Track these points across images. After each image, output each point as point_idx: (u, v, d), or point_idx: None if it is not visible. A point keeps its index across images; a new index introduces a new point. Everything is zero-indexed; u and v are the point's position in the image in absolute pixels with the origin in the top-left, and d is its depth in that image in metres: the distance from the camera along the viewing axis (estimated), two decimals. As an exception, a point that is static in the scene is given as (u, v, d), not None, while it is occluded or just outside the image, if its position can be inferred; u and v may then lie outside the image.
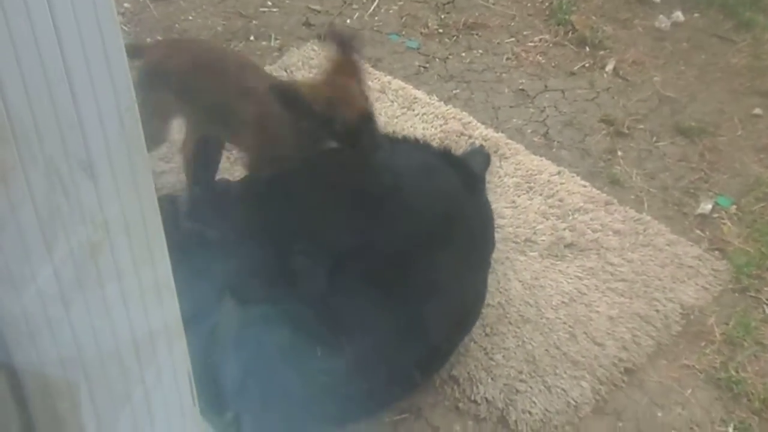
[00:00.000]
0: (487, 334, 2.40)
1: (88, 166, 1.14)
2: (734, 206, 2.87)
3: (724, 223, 2.81)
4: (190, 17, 3.58)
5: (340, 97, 2.12)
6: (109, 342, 1.27)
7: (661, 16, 3.74)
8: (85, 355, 1.25)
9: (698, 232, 2.79)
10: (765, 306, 2.55)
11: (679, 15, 3.75)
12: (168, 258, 1.37)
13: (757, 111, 3.27)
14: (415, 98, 3.20)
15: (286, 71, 3.27)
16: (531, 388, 2.28)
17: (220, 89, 2.33)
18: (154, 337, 1.34)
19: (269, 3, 3.70)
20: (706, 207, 2.86)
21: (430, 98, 3.23)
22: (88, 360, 1.25)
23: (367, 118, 2.15)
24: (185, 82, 2.34)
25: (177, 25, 3.53)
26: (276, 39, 3.47)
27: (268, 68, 3.27)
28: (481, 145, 2.97)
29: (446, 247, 2.27)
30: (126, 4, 3.60)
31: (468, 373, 2.29)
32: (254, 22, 3.57)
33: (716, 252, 2.72)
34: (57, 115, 1.08)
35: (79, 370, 1.23)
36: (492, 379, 2.28)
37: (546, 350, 2.37)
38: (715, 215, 2.85)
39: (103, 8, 1.09)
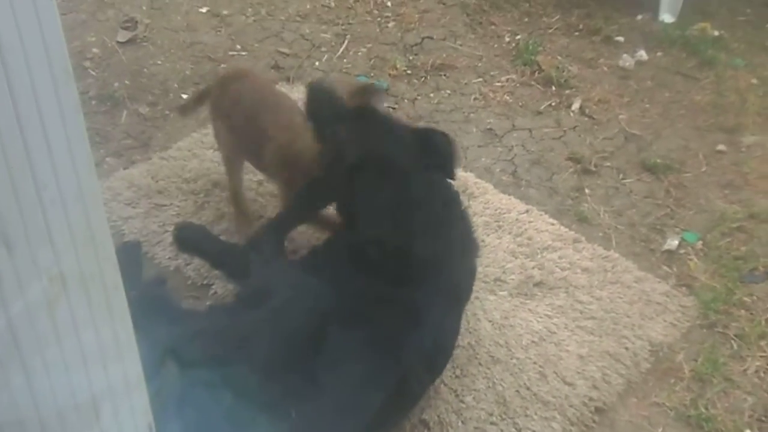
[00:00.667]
0: (457, 376, 2.39)
1: (42, 221, 1.13)
2: (700, 242, 2.90)
3: (691, 259, 2.83)
4: (159, 62, 3.59)
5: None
6: (68, 400, 1.25)
7: (625, 55, 3.80)
8: (43, 414, 1.24)
9: (665, 268, 2.81)
10: (733, 342, 2.56)
11: (642, 54, 3.82)
12: (128, 310, 1.36)
13: (721, 147, 3.32)
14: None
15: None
16: (502, 430, 2.26)
17: (257, 124, 2.60)
18: (114, 393, 1.32)
19: (238, 47, 3.72)
20: (673, 243, 2.88)
21: (398, 139, 3.24)
22: (46, 419, 1.23)
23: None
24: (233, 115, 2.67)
25: (146, 70, 3.53)
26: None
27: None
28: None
29: (426, 292, 2.27)
30: (94, 49, 3.60)
31: (438, 416, 2.27)
32: (223, 65, 3.59)
33: (683, 288, 2.73)
34: (10, 170, 1.08)
35: (36, 430, 1.21)
36: (462, 422, 2.27)
37: (516, 391, 2.36)
38: (682, 251, 2.87)
39: (58, 64, 1.09)
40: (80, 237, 1.20)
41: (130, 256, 2.55)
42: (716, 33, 3.97)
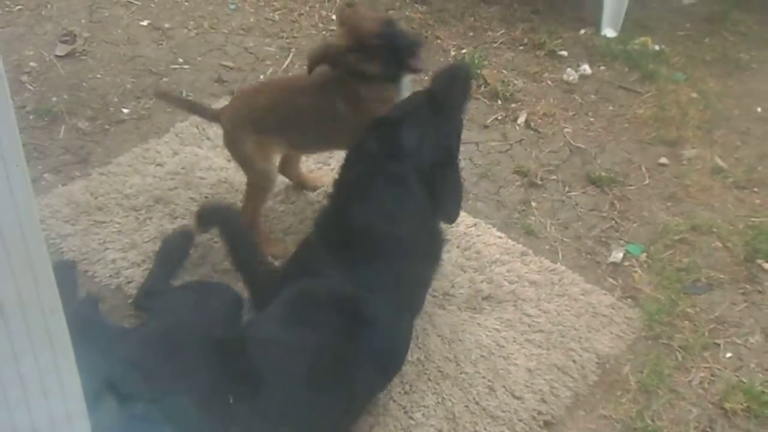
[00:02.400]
0: (406, 392, 2.37)
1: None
2: (644, 254, 2.93)
3: (635, 271, 2.87)
4: (98, 75, 3.52)
5: (358, 21, 2.58)
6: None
7: (569, 69, 3.84)
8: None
9: (611, 280, 2.84)
10: (677, 353, 2.59)
11: (586, 68, 3.86)
12: (68, 335, 1.31)
13: (663, 160, 3.37)
14: (331, 152, 3.19)
15: (197, 128, 3.23)
16: (452, 447, 2.25)
17: (304, 109, 2.69)
18: (54, 423, 1.28)
19: (180, 60, 3.66)
20: (618, 255, 2.91)
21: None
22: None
23: (388, 21, 2.61)
24: (276, 116, 2.66)
25: (85, 84, 3.46)
26: (188, 96, 3.43)
27: (179, 125, 3.24)
28: None
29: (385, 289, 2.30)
30: (32, 63, 3.52)
31: (387, 434, 2.26)
32: (165, 79, 3.53)
33: (629, 300, 2.76)
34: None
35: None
36: (412, 439, 2.25)
37: (466, 406, 2.35)
38: (627, 263, 2.90)
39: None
40: (17, 261, 1.15)
41: (65, 276, 2.47)
42: (657, 47, 4.04)
